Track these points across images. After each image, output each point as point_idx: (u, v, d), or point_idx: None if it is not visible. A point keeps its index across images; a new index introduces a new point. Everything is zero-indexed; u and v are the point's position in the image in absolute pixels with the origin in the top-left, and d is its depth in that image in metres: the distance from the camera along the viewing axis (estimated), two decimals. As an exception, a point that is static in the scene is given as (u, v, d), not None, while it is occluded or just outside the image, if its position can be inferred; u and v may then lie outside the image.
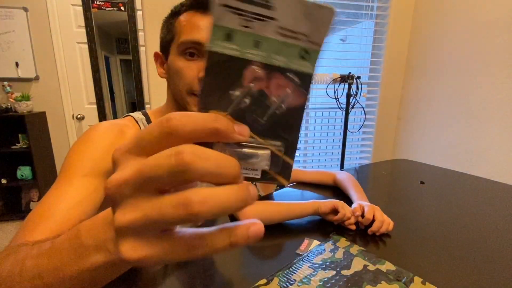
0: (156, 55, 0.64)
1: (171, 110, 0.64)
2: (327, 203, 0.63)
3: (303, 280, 0.44)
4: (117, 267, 0.21)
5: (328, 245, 0.53)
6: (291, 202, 0.66)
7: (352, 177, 0.83)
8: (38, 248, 0.26)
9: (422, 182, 0.93)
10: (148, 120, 0.63)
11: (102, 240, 0.20)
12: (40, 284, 0.24)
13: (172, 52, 0.59)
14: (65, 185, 0.44)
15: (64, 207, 0.41)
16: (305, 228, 0.63)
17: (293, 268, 0.47)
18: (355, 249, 0.51)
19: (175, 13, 0.60)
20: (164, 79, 0.65)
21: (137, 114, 0.63)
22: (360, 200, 0.69)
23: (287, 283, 0.43)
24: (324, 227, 0.62)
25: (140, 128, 0.61)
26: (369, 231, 0.58)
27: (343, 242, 0.54)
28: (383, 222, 0.60)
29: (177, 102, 0.62)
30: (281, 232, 0.60)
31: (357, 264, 0.46)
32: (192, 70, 0.57)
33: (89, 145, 0.50)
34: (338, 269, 0.46)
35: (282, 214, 0.62)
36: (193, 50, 0.56)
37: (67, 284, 0.23)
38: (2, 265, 0.28)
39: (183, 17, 0.58)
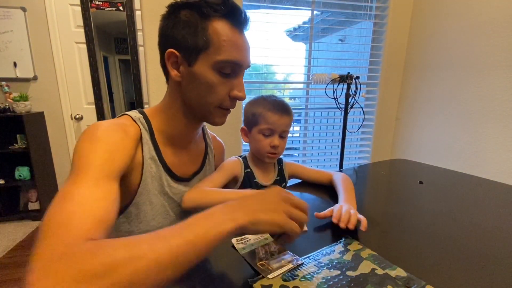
0: (171, 54, 0.56)
1: (176, 113, 0.63)
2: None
3: (306, 276, 0.44)
4: (233, 233, 0.38)
5: (338, 247, 0.52)
6: (232, 191, 0.69)
7: (346, 178, 0.81)
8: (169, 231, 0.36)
9: (421, 182, 0.93)
10: (146, 119, 0.62)
11: (233, 216, 0.39)
12: (190, 249, 0.35)
13: (202, 63, 0.55)
14: (91, 185, 0.43)
15: (100, 206, 0.41)
16: (316, 231, 0.62)
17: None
18: (366, 252, 0.50)
19: (205, 16, 0.54)
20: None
21: (134, 113, 0.62)
22: (345, 202, 0.67)
23: (290, 278, 0.43)
24: (336, 229, 0.62)
25: (139, 127, 0.60)
26: (341, 223, 0.57)
27: (355, 245, 0.53)
28: (351, 216, 0.58)
29: (189, 107, 0.62)
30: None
31: (365, 267, 0.46)
32: (226, 88, 0.59)
33: (102, 145, 0.49)
34: (343, 269, 0.45)
35: (219, 201, 0.62)
36: (230, 69, 0.57)
37: (201, 251, 0.36)
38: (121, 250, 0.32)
39: (221, 29, 0.54)
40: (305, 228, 0.62)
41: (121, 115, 0.62)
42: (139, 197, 0.60)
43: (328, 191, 0.81)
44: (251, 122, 0.81)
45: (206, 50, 0.55)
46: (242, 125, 0.85)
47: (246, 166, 0.81)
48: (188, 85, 0.59)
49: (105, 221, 0.40)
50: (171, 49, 0.56)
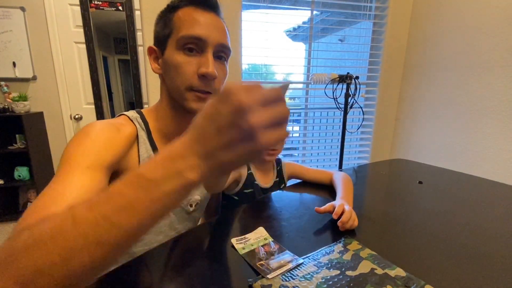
0: (150, 49, 0.61)
1: (166, 107, 0.63)
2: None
3: (306, 276, 0.44)
4: (186, 189, 0.29)
5: (338, 247, 0.52)
6: None
7: (346, 176, 0.82)
8: (87, 203, 0.29)
9: (420, 182, 0.93)
10: (143, 118, 0.63)
11: (175, 170, 0.28)
12: (106, 225, 0.27)
13: (169, 47, 0.57)
14: (71, 175, 0.42)
15: (75, 195, 0.40)
16: (316, 231, 0.62)
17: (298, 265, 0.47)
18: (365, 252, 0.50)
19: (173, 8, 0.58)
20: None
21: (132, 113, 0.63)
22: (341, 198, 0.68)
23: (290, 278, 0.43)
24: (336, 229, 0.62)
25: (135, 125, 0.60)
26: (339, 222, 0.59)
27: (354, 245, 0.53)
28: (351, 217, 0.59)
29: (173, 98, 0.61)
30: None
31: (364, 267, 0.46)
32: (192, 66, 0.56)
33: (89, 139, 0.49)
34: (343, 269, 0.45)
35: None
36: (192, 45, 0.56)
37: (136, 219, 0.28)
38: (40, 227, 0.29)
39: (182, 12, 0.57)
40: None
41: (119, 115, 0.63)
42: None
43: (328, 191, 0.81)
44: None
45: (171, 35, 0.57)
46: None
47: (248, 167, 0.80)
48: (165, 74, 0.60)
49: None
50: (150, 45, 0.61)
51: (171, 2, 0.59)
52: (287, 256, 0.49)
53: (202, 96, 0.58)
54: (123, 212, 0.27)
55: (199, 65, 0.56)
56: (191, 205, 0.70)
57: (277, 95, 0.27)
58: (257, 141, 0.26)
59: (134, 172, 0.29)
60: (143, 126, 0.62)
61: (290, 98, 2.52)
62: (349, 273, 0.44)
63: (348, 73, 1.70)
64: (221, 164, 0.28)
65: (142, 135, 0.61)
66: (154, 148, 0.62)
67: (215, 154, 0.27)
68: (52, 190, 0.40)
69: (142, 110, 0.65)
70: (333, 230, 0.60)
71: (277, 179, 0.86)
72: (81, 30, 2.38)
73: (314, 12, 1.97)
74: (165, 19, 0.59)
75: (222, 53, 0.60)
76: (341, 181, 0.79)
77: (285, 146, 0.86)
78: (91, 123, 0.53)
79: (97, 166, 0.47)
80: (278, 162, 0.87)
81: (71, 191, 0.40)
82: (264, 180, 0.82)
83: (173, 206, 0.30)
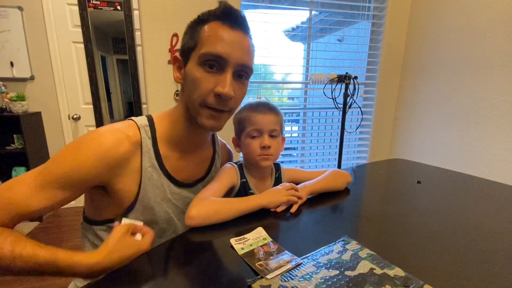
0: (175, 58, 0.62)
1: (180, 116, 0.63)
2: (276, 202, 0.68)
3: (305, 276, 0.44)
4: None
5: (337, 247, 0.52)
6: (238, 199, 0.67)
7: (336, 171, 0.84)
8: (16, 244, 0.46)
9: (418, 182, 0.93)
10: (152, 128, 0.62)
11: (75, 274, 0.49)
12: (15, 263, 0.45)
13: (192, 60, 0.57)
14: (38, 189, 0.50)
15: (34, 209, 0.50)
16: (314, 231, 0.62)
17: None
18: (364, 252, 0.50)
19: (202, 21, 0.58)
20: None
21: (141, 120, 0.62)
22: (305, 184, 0.77)
23: (289, 278, 0.43)
24: (335, 229, 0.62)
25: (140, 135, 0.59)
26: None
27: (353, 245, 0.53)
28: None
29: (188, 109, 0.61)
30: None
31: (363, 267, 0.46)
32: (209, 83, 0.56)
33: (75, 157, 0.52)
34: (342, 269, 0.45)
35: (232, 212, 0.63)
36: (213, 62, 0.55)
37: (32, 273, 0.46)
38: None
39: (208, 27, 0.56)
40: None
41: (127, 120, 0.62)
42: (138, 205, 0.60)
43: (330, 194, 0.81)
44: (239, 130, 0.79)
45: (195, 48, 0.57)
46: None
47: (242, 175, 0.78)
48: (184, 86, 0.60)
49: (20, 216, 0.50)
50: (175, 54, 0.62)
51: (202, 14, 0.59)
52: (286, 256, 0.49)
53: (215, 114, 0.59)
54: (31, 267, 0.45)
55: (216, 84, 0.56)
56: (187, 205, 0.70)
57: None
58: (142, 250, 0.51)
59: (53, 257, 0.46)
60: (149, 134, 0.61)
61: (289, 98, 2.52)
62: (348, 273, 0.44)
63: (346, 73, 1.70)
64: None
65: (147, 143, 0.60)
66: (158, 156, 0.62)
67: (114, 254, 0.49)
68: (16, 196, 0.49)
69: (154, 115, 0.65)
70: (332, 230, 0.60)
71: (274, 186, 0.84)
72: (79, 29, 2.37)
73: (313, 12, 1.97)
74: (192, 30, 0.58)
75: (242, 72, 0.59)
76: (325, 174, 0.82)
77: (284, 146, 0.85)
78: (92, 134, 0.55)
79: (67, 186, 0.52)
80: (277, 168, 0.86)
81: (33, 206, 0.50)
82: (260, 187, 0.80)
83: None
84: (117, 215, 0.60)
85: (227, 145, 0.86)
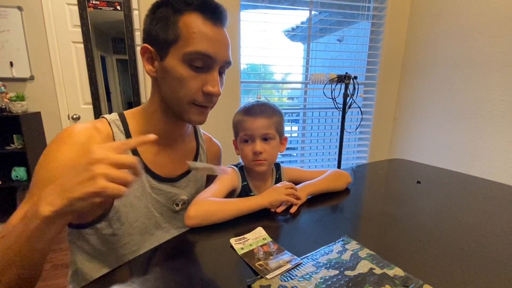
0: (145, 49, 0.57)
1: (156, 111, 0.62)
2: (276, 202, 0.67)
3: (304, 276, 0.44)
4: (44, 225, 0.39)
5: (337, 247, 0.52)
6: (238, 199, 0.66)
7: (336, 172, 0.83)
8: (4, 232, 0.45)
9: (418, 182, 0.93)
10: (124, 122, 0.61)
11: (35, 210, 0.39)
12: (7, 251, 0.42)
13: (173, 56, 0.55)
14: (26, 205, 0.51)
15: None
16: (314, 230, 0.63)
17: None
18: (364, 252, 0.50)
19: (177, 10, 0.55)
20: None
21: (112, 116, 0.62)
22: (304, 184, 0.75)
23: (288, 278, 0.43)
24: (334, 229, 0.62)
25: (112, 130, 0.59)
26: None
27: (353, 245, 0.53)
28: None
29: (166, 104, 0.60)
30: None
31: (363, 267, 0.46)
32: (197, 82, 0.56)
33: (51, 162, 0.55)
34: (341, 269, 0.45)
35: (232, 212, 0.62)
36: (200, 61, 0.55)
37: (25, 247, 0.41)
38: None
39: (189, 21, 0.54)
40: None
41: (100, 118, 0.62)
42: (116, 201, 0.59)
43: (330, 194, 0.81)
44: (235, 133, 0.79)
45: (176, 43, 0.55)
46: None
47: (243, 178, 0.78)
48: (162, 80, 0.59)
49: None
50: (145, 44, 0.57)
51: (175, 2, 0.55)
52: (286, 256, 0.49)
53: (203, 110, 0.61)
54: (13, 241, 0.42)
55: (205, 82, 0.57)
56: (177, 204, 0.69)
57: (123, 160, 0.40)
58: (96, 184, 0.37)
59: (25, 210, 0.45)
60: (121, 128, 0.61)
61: (289, 98, 2.52)
62: (347, 273, 0.44)
63: (346, 73, 1.70)
64: (72, 198, 0.38)
65: (120, 138, 0.60)
66: (133, 150, 0.61)
67: (70, 189, 0.38)
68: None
69: (125, 112, 0.64)
70: (332, 230, 0.60)
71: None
72: (79, 29, 2.37)
73: (313, 12, 1.97)
74: (167, 20, 0.55)
75: (225, 67, 0.61)
76: (326, 174, 0.81)
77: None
78: (66, 133, 0.55)
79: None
80: (278, 167, 0.85)
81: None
82: (261, 189, 0.79)
83: (46, 239, 0.42)
84: (98, 216, 0.58)
85: (213, 138, 0.84)
